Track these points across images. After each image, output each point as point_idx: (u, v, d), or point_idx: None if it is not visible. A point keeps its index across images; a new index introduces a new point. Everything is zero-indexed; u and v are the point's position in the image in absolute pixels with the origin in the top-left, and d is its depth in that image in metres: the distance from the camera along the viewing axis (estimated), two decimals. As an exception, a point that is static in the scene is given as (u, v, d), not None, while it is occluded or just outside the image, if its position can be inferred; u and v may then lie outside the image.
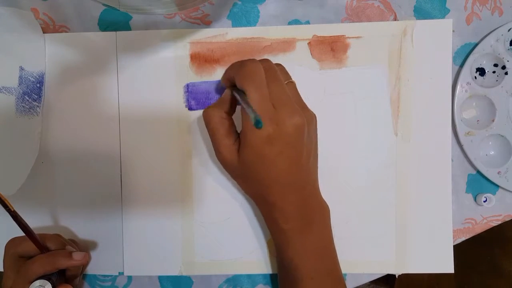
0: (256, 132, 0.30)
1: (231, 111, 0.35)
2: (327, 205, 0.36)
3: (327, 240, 0.36)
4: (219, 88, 0.40)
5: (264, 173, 0.32)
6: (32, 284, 0.33)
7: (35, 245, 0.34)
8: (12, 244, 0.35)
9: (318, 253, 0.35)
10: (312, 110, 0.35)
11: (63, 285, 0.34)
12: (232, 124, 0.34)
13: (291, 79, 0.35)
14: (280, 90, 0.32)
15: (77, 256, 0.35)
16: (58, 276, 0.34)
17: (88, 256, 0.35)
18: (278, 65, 0.35)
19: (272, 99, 0.31)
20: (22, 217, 0.33)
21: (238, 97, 0.32)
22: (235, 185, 0.40)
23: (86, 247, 0.41)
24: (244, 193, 0.37)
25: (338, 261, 0.37)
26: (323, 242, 0.36)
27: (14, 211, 0.32)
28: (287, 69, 0.35)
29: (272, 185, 0.33)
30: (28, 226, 0.33)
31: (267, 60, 0.33)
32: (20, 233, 0.36)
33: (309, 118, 0.33)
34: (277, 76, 0.32)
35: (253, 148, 0.31)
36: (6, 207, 0.32)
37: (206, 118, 0.34)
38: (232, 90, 0.34)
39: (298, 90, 0.34)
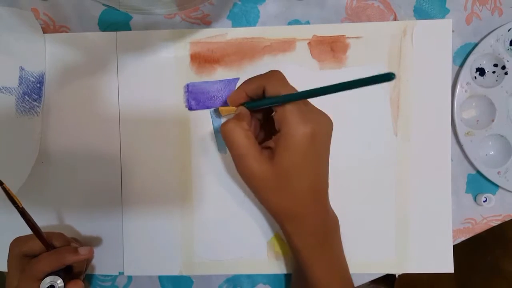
0: (299, 130, 0.31)
1: (250, 124, 0.35)
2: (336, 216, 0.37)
3: (341, 249, 0.37)
4: (219, 88, 0.40)
5: (304, 177, 0.32)
6: (43, 281, 0.33)
7: (41, 242, 0.34)
8: (17, 243, 0.35)
9: (338, 265, 0.36)
10: None
11: (73, 281, 0.34)
12: (253, 137, 0.33)
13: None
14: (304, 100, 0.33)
15: (83, 251, 0.35)
16: (65, 273, 0.34)
17: (93, 251, 0.36)
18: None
19: (299, 106, 0.32)
20: (21, 218, 0.33)
21: (267, 100, 0.33)
22: (235, 187, 0.40)
23: (86, 247, 0.41)
24: (268, 210, 0.35)
25: (348, 268, 0.37)
26: (340, 252, 0.37)
27: (22, 208, 0.32)
28: (287, 69, 0.35)
29: (306, 194, 0.33)
30: (35, 223, 0.33)
31: (279, 71, 0.34)
32: (22, 232, 0.36)
33: (330, 120, 0.34)
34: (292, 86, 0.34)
35: (296, 148, 0.31)
36: (14, 203, 0.32)
37: (226, 132, 0.33)
38: (248, 104, 0.35)
39: (298, 90, 0.34)
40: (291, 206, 0.33)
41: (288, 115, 0.31)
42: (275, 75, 0.34)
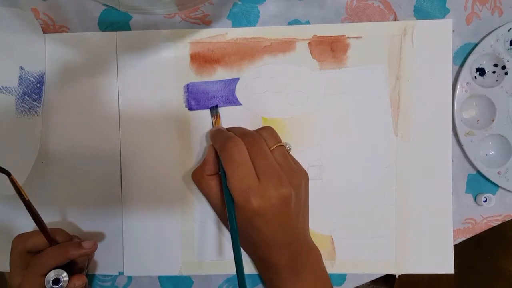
0: (245, 203, 0.32)
1: (216, 171, 0.37)
2: (317, 249, 0.39)
3: (320, 281, 0.38)
4: (219, 88, 0.40)
5: (253, 235, 0.34)
6: (48, 275, 0.33)
7: (45, 237, 0.34)
8: (20, 239, 0.35)
9: None
10: (304, 168, 0.37)
11: (77, 275, 0.34)
12: (217, 182, 0.37)
13: (280, 142, 0.36)
14: (265, 163, 0.33)
15: (87, 245, 0.35)
16: (68, 269, 0.34)
17: (97, 244, 0.36)
18: (267, 128, 0.36)
19: (257, 173, 0.32)
20: (23, 217, 0.33)
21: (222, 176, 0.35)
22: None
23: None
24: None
25: None
26: (316, 285, 0.37)
27: (28, 200, 0.32)
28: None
29: (260, 245, 0.35)
30: (40, 217, 0.33)
31: (251, 134, 0.35)
32: (24, 229, 0.36)
33: (297, 183, 0.34)
34: (262, 149, 0.33)
35: (241, 216, 0.33)
36: (21, 195, 0.32)
37: (194, 180, 0.38)
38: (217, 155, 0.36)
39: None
40: (250, 249, 0.38)
41: (229, 185, 0.33)
42: (225, 149, 0.33)
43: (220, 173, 0.36)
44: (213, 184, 0.36)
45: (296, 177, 0.34)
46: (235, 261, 0.32)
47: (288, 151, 0.38)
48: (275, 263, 0.35)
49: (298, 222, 0.35)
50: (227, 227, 0.39)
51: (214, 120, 0.39)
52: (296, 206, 0.34)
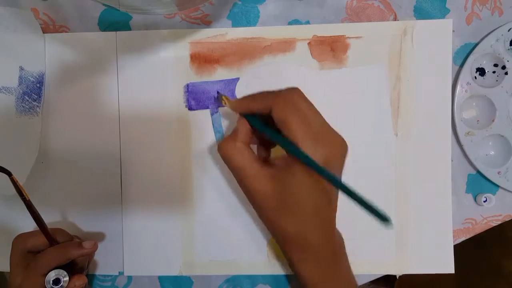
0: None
1: (248, 141, 0.33)
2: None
3: (349, 269, 0.35)
4: (219, 88, 0.40)
5: (310, 203, 0.31)
6: (48, 275, 0.33)
7: (45, 237, 0.34)
8: (20, 239, 0.35)
9: (347, 286, 0.35)
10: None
11: (78, 275, 0.34)
12: (252, 153, 0.32)
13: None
14: (320, 122, 0.31)
15: (87, 245, 0.35)
16: (68, 269, 0.34)
17: (97, 245, 0.36)
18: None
19: (313, 134, 0.30)
20: (23, 217, 0.33)
21: (270, 133, 0.31)
22: (235, 187, 0.40)
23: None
24: (272, 233, 0.34)
25: (357, 284, 0.36)
26: (347, 273, 0.35)
27: (29, 200, 0.32)
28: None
29: (312, 220, 0.31)
30: (41, 217, 0.33)
31: (297, 89, 0.32)
32: (25, 229, 0.36)
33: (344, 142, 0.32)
34: (313, 105, 0.31)
35: (304, 177, 0.30)
36: (22, 195, 0.32)
37: (223, 152, 0.32)
38: (251, 120, 0.33)
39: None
40: (294, 231, 0.31)
41: (299, 139, 0.29)
42: (284, 96, 0.31)
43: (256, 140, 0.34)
44: (247, 154, 0.32)
45: (340, 140, 0.33)
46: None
47: None
48: (320, 246, 0.32)
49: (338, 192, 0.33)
50: (252, 204, 0.34)
51: (224, 101, 0.36)
52: (338, 172, 0.32)
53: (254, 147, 0.35)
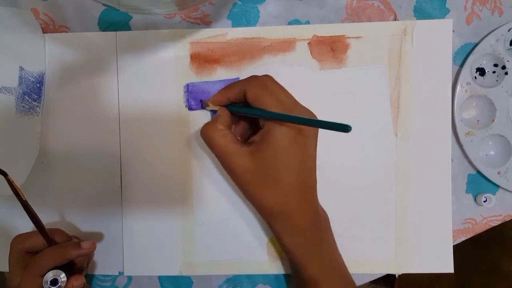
0: (282, 130, 0.32)
1: (229, 125, 0.36)
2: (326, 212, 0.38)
3: (335, 246, 0.37)
4: (219, 88, 0.40)
5: (288, 173, 0.33)
6: (46, 275, 0.33)
7: (43, 237, 0.34)
8: (18, 239, 0.35)
9: (333, 261, 0.36)
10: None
11: (76, 276, 0.34)
12: (232, 134, 0.35)
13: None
14: (290, 99, 0.34)
15: (86, 245, 0.35)
16: (67, 270, 0.34)
17: (95, 245, 0.36)
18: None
19: (284, 108, 0.33)
20: (22, 217, 0.33)
21: (247, 110, 0.34)
22: (235, 186, 0.40)
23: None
24: (255, 207, 0.35)
25: (345, 264, 0.37)
26: (333, 249, 0.37)
27: (26, 201, 0.32)
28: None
29: (291, 190, 0.33)
30: (38, 218, 0.33)
31: (267, 75, 0.35)
32: (23, 229, 0.36)
33: None
34: (283, 87, 0.35)
35: (278, 145, 0.32)
36: (18, 196, 0.32)
37: (204, 134, 0.35)
38: (228, 106, 0.36)
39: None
40: (276, 202, 0.33)
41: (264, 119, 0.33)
42: (255, 80, 0.35)
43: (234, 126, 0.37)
44: (228, 134, 0.35)
45: (311, 114, 0.35)
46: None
47: None
48: (301, 218, 0.34)
49: (315, 165, 0.35)
50: (235, 181, 0.35)
51: (206, 103, 0.38)
52: (313, 143, 0.35)
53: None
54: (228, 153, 0.34)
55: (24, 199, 0.32)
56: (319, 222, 0.36)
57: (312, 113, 0.35)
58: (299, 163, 0.33)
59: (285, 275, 0.41)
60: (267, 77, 0.35)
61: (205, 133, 0.35)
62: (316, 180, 0.35)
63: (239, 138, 0.37)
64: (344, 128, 0.28)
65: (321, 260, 0.35)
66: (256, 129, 0.36)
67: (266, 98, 0.33)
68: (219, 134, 0.34)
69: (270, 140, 0.32)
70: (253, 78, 0.35)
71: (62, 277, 0.33)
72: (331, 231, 0.37)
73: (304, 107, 0.34)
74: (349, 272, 0.37)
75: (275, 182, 0.33)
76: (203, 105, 0.40)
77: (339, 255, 0.37)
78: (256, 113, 0.34)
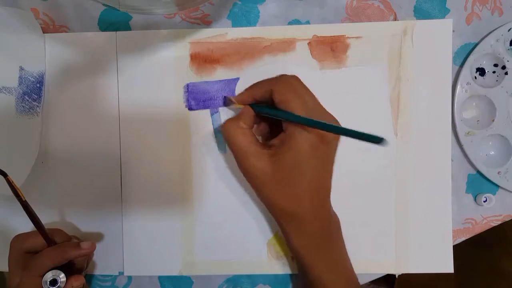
0: (305, 135, 0.32)
1: (251, 124, 0.36)
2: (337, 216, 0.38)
3: (344, 249, 0.37)
4: (219, 88, 0.40)
5: (305, 178, 0.33)
6: (45, 275, 0.33)
7: (43, 237, 0.34)
8: (18, 239, 0.35)
9: (339, 264, 0.36)
10: None
11: (75, 276, 0.34)
12: (253, 134, 0.35)
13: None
14: (315, 102, 0.34)
15: (85, 245, 0.35)
16: (66, 270, 0.34)
17: (95, 245, 0.36)
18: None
19: (309, 111, 0.33)
20: (22, 217, 0.33)
21: (271, 110, 0.34)
22: (235, 186, 0.40)
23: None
24: (268, 207, 0.36)
25: (352, 267, 0.37)
26: (342, 252, 0.37)
27: (25, 201, 0.32)
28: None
29: (306, 194, 0.33)
30: (38, 218, 0.33)
31: (294, 75, 0.35)
32: (23, 229, 0.36)
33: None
34: (308, 88, 0.34)
35: (299, 151, 0.32)
36: (18, 196, 0.32)
37: (225, 132, 0.35)
38: (255, 106, 0.36)
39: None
40: (290, 205, 0.34)
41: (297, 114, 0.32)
42: (283, 80, 0.34)
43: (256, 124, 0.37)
44: (249, 134, 0.35)
45: (334, 120, 0.35)
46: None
47: None
48: (313, 222, 0.34)
49: (332, 172, 0.35)
50: (251, 182, 0.35)
51: (232, 100, 0.38)
52: (332, 151, 0.35)
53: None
54: (247, 153, 0.34)
55: (23, 199, 0.32)
56: (330, 226, 0.35)
57: (336, 119, 0.34)
58: (318, 169, 0.33)
59: (285, 275, 0.41)
60: (295, 79, 0.34)
61: (226, 129, 0.35)
62: (330, 186, 0.35)
63: (259, 138, 0.37)
64: (376, 140, 0.28)
65: (328, 262, 0.35)
66: (276, 130, 0.36)
67: (294, 100, 0.32)
68: (240, 132, 0.34)
69: (291, 145, 0.32)
70: (282, 78, 0.35)
71: (62, 277, 0.33)
72: (341, 235, 0.37)
73: (328, 112, 0.34)
74: (355, 275, 0.37)
75: (291, 186, 0.33)
76: (226, 102, 0.39)
77: (347, 258, 0.37)
78: (283, 116, 0.33)
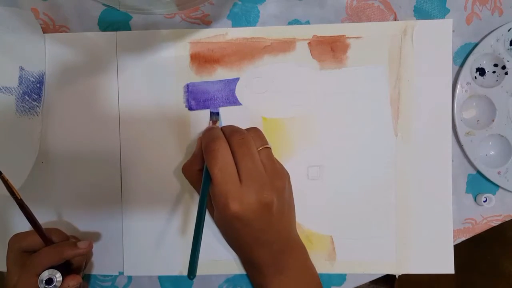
0: (223, 207, 0.32)
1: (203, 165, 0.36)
2: (303, 245, 0.38)
3: (305, 277, 0.38)
4: (219, 88, 0.40)
5: (233, 235, 0.36)
6: (41, 274, 0.33)
7: (40, 236, 0.34)
8: (16, 239, 0.35)
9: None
10: (285, 169, 0.37)
11: (72, 275, 0.34)
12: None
13: (267, 143, 0.36)
14: (251, 166, 0.33)
15: (82, 245, 0.35)
16: (64, 269, 0.34)
17: (92, 245, 0.36)
18: (255, 129, 0.36)
19: (241, 175, 0.32)
20: (20, 217, 0.33)
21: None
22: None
23: (86, 247, 0.41)
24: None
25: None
26: (301, 282, 0.37)
27: (21, 200, 0.32)
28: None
29: (242, 245, 0.36)
30: (34, 217, 0.33)
31: (241, 134, 0.34)
32: (21, 228, 0.36)
33: (281, 186, 0.34)
34: (250, 151, 0.33)
35: (221, 218, 0.34)
36: (13, 195, 0.32)
37: (184, 173, 0.38)
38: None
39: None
40: (233, 248, 0.38)
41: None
42: (210, 149, 0.33)
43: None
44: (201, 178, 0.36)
45: (280, 180, 0.34)
46: (192, 243, 0.33)
47: None
48: (257, 262, 0.36)
49: (281, 222, 0.35)
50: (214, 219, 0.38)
51: (210, 123, 0.40)
52: (279, 208, 0.34)
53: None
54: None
55: (19, 198, 0.32)
56: (282, 261, 0.36)
57: (284, 177, 0.36)
58: (246, 231, 0.34)
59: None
60: (221, 144, 0.34)
61: (183, 172, 0.38)
62: (280, 231, 0.35)
63: None
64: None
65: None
66: None
67: (213, 172, 0.32)
68: (194, 176, 0.37)
69: (216, 210, 0.35)
70: (207, 145, 0.34)
71: (58, 276, 0.33)
72: (305, 264, 0.38)
73: (265, 180, 0.34)
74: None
75: (228, 238, 0.38)
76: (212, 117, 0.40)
77: (314, 284, 0.38)
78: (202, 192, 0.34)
